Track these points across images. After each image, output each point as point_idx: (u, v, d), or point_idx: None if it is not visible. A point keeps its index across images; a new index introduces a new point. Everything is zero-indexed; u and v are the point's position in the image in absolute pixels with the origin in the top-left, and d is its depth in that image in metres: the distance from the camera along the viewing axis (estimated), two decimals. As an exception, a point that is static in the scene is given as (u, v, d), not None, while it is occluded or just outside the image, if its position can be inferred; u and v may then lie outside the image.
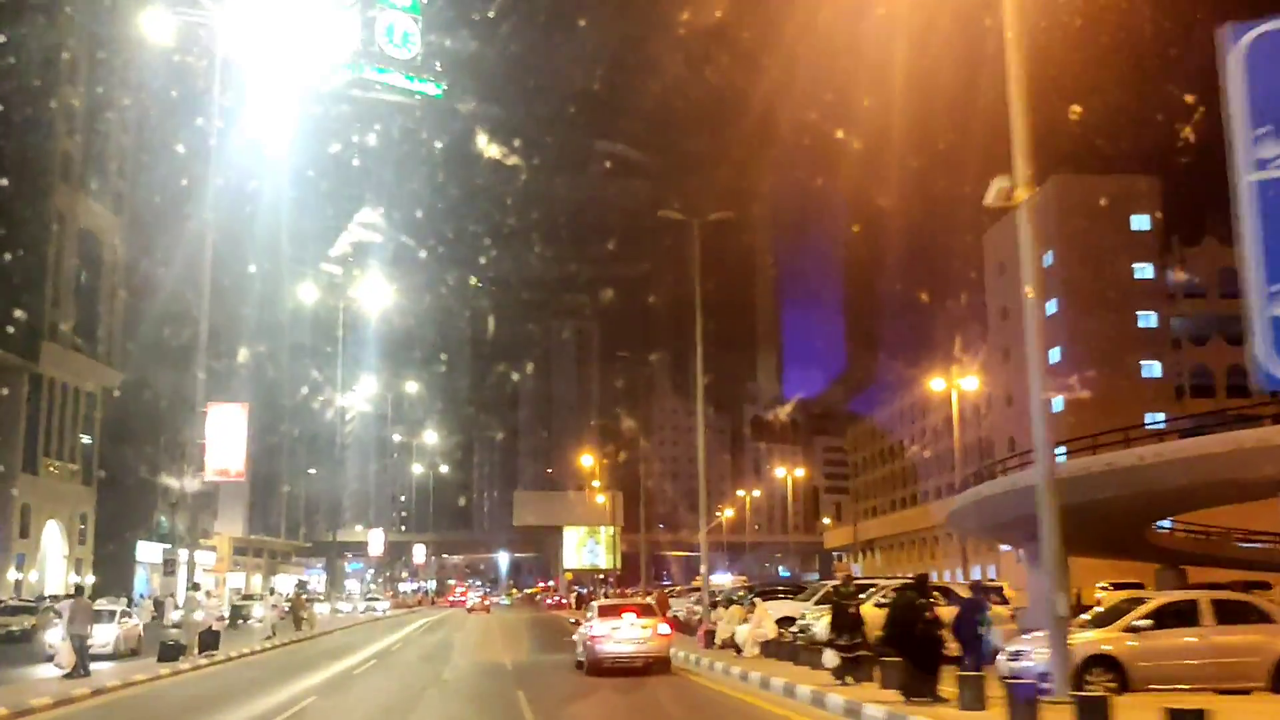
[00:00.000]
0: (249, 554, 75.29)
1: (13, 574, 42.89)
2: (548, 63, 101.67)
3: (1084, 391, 54.98)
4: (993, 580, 37.95)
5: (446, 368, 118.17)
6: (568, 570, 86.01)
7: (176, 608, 27.05)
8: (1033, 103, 12.26)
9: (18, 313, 42.08)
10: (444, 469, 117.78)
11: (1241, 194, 10.51)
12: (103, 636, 20.97)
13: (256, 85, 47.84)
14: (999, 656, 13.71)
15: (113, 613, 23.45)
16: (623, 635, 19.22)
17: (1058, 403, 63.04)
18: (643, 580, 61.66)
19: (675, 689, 17.20)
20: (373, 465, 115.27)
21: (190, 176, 46.05)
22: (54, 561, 47.18)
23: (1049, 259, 64.03)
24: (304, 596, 41.48)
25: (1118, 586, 38.07)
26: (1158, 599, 14.10)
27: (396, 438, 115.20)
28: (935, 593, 12.44)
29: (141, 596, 48.94)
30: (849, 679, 14.41)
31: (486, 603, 75.24)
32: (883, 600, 19.86)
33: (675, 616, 31.22)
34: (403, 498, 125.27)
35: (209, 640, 23.24)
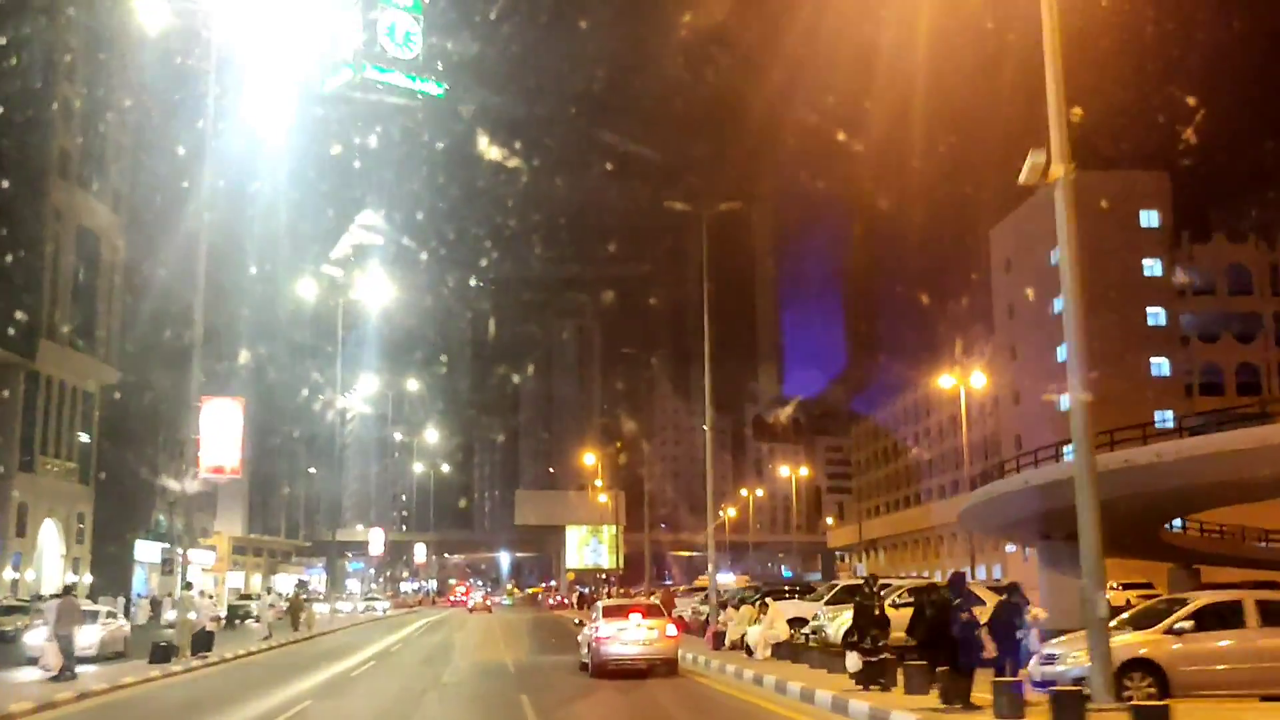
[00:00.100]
0: (249, 553, 74.81)
1: (9, 573, 42.38)
2: (549, 63, 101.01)
3: (1087, 395, 54.40)
4: (999, 580, 37.38)
5: (448, 368, 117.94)
6: (569, 570, 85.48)
7: (174, 608, 26.40)
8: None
9: (16, 311, 41.56)
10: (445, 469, 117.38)
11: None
12: (85, 639, 20.17)
13: (257, 86, 47.48)
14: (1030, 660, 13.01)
15: (95, 613, 22.60)
16: (629, 636, 18.67)
17: (1064, 401, 62.51)
18: (646, 579, 61.10)
19: (686, 693, 16.56)
20: (374, 465, 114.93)
21: (190, 175, 45.56)
22: (51, 561, 46.67)
23: (1055, 256, 63.36)
24: (303, 596, 40.88)
25: (1126, 587, 37.45)
26: (1199, 599, 13.34)
27: (398, 437, 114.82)
28: (970, 593, 11.63)
29: (139, 596, 48.42)
30: (874, 685, 13.64)
31: (488, 603, 74.78)
32: (899, 600, 19.22)
33: (679, 617, 30.53)
34: (403, 497, 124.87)
35: (202, 641, 22.58)
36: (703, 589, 40.93)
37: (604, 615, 19.31)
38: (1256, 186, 59.98)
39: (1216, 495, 30.89)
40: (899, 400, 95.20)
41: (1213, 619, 12.95)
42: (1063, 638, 13.48)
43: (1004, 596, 12.01)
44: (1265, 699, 12.14)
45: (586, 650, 19.70)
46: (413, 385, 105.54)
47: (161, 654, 20.73)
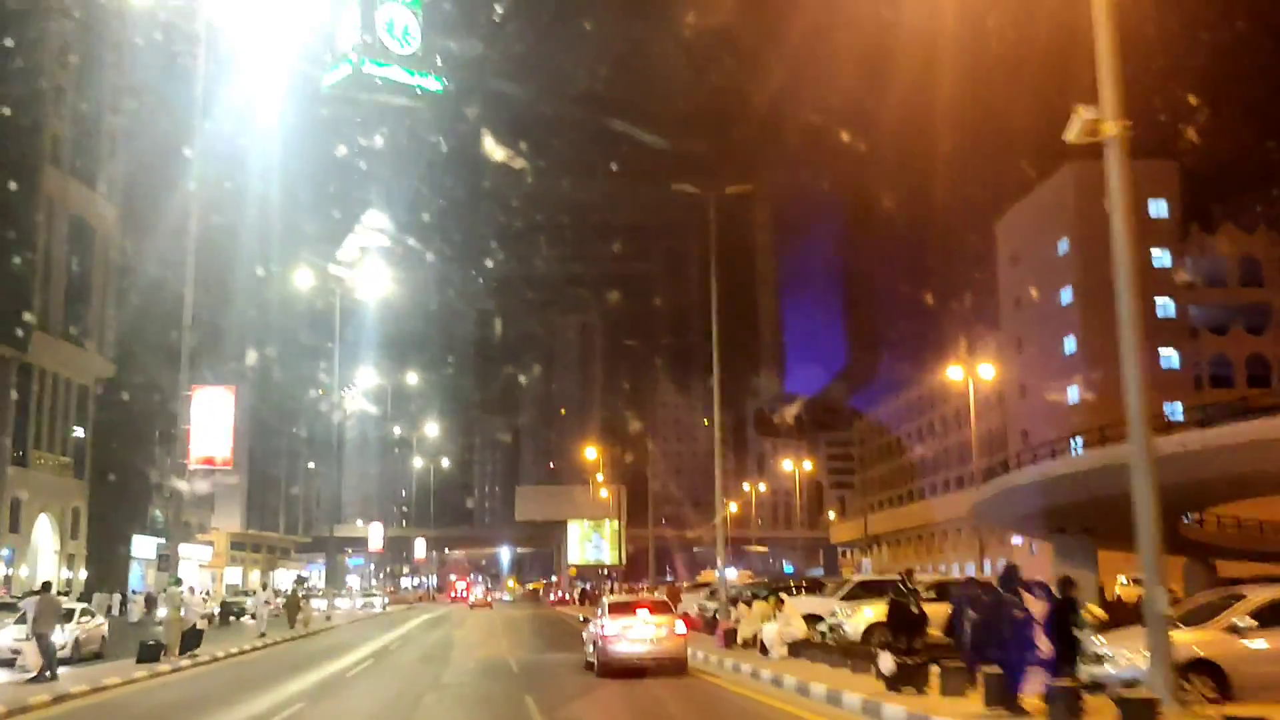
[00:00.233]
0: (247, 549, 74.07)
1: (1, 569, 41.60)
2: (553, 62, 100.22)
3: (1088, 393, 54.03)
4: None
5: (451, 365, 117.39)
6: (571, 565, 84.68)
7: (164, 604, 25.53)
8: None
9: (8, 302, 40.74)
10: (446, 464, 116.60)
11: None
12: (59, 638, 19.15)
13: (256, 82, 46.76)
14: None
15: (70, 611, 21.55)
16: (636, 634, 17.93)
17: (1072, 394, 61.62)
18: (650, 575, 60.30)
19: (701, 695, 15.69)
20: (374, 461, 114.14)
21: (186, 167, 44.81)
22: (46, 557, 45.95)
23: (1064, 247, 62.55)
24: (300, 593, 40.10)
25: (1138, 582, 36.62)
26: (1260, 594, 12.34)
27: (398, 432, 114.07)
28: (1022, 589, 10.64)
29: (134, 592, 47.65)
30: (907, 687, 12.60)
31: (489, 599, 74.08)
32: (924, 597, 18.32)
33: (685, 614, 29.68)
34: (404, 493, 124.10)
35: (192, 639, 21.71)
36: (707, 585, 40.13)
37: (610, 612, 18.53)
38: (1264, 182, 59.28)
39: (1240, 487, 30.03)
40: (902, 395, 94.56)
41: (1272, 615, 11.93)
42: (1103, 636, 12.56)
43: (1060, 592, 10.98)
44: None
45: (592, 648, 18.95)
46: (415, 382, 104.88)
47: (149, 653, 19.88)
